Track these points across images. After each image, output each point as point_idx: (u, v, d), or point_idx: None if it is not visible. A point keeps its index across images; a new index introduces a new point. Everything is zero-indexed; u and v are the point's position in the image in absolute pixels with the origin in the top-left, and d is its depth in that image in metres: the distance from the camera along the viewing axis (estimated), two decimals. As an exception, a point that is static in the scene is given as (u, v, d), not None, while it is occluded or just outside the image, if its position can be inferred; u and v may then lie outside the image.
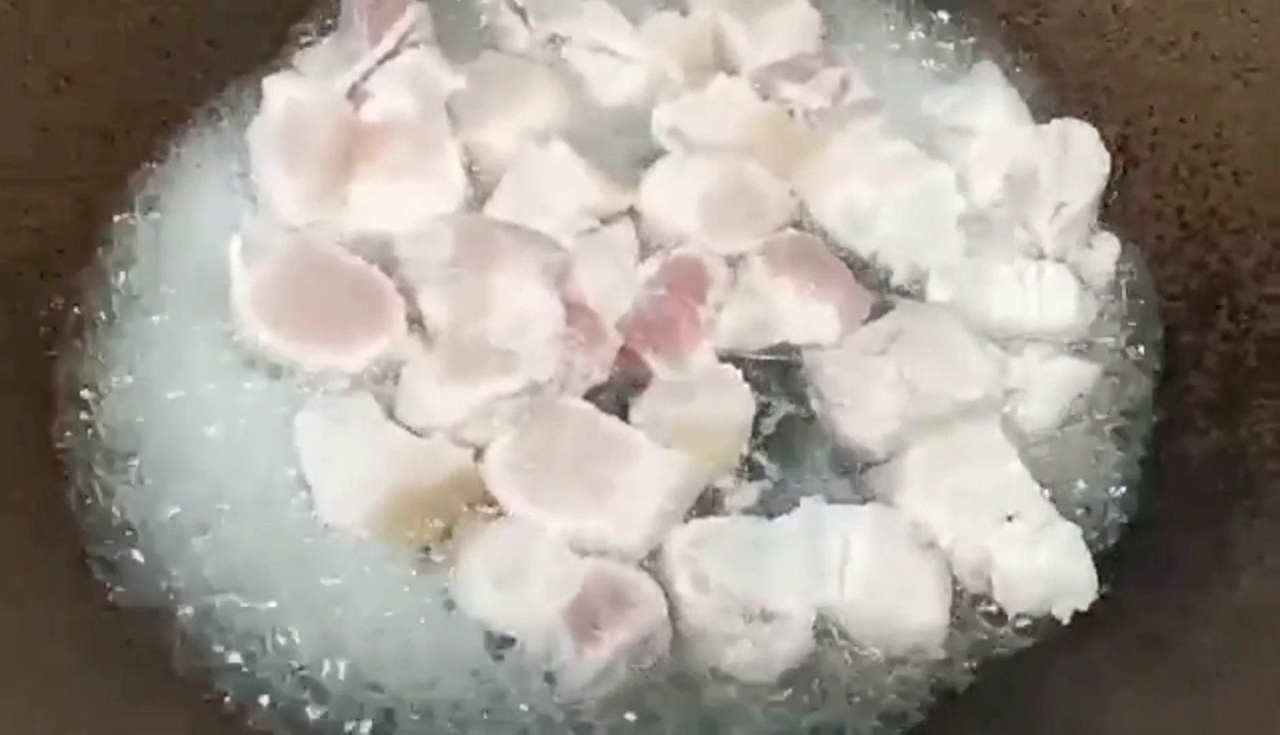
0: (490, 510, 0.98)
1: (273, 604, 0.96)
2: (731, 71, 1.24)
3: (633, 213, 1.13)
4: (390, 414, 1.00)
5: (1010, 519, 0.96)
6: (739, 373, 1.06)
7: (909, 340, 1.05)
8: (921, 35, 1.32)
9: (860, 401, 1.03)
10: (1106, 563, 0.97)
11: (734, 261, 1.12)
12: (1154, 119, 1.17)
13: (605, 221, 1.11)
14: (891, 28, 1.32)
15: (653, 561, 0.97)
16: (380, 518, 0.96)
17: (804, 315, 1.09)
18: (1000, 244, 1.12)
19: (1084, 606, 0.94)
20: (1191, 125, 1.14)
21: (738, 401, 1.04)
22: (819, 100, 1.20)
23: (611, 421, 1.01)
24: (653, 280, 1.09)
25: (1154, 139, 1.17)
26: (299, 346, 1.02)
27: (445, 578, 0.96)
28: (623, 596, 0.91)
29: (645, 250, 1.12)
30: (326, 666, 0.95)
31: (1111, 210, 1.17)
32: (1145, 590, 0.98)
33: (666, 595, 0.93)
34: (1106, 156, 1.14)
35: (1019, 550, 0.94)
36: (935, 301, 1.10)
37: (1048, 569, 0.94)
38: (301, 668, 0.95)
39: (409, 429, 0.99)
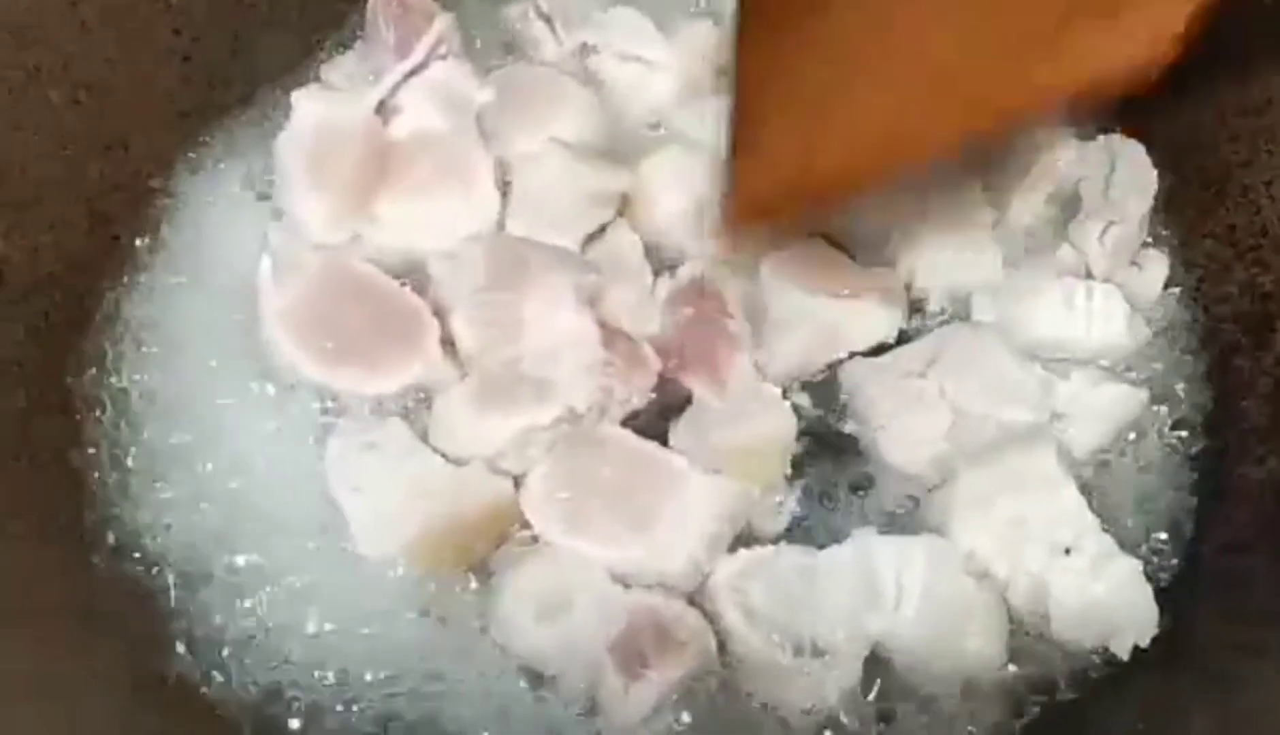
0: (530, 541, 0.95)
1: (301, 633, 0.94)
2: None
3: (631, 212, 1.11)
4: (425, 440, 0.97)
5: (1068, 551, 0.93)
6: (779, 391, 1.03)
7: (951, 361, 1.03)
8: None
9: (902, 425, 1.01)
10: (1164, 596, 0.94)
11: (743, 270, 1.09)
12: (1202, 134, 1.15)
13: (620, 212, 1.10)
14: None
15: (698, 593, 0.94)
16: (416, 548, 0.93)
17: (852, 319, 1.06)
18: (1046, 263, 1.10)
19: (1145, 643, 0.91)
20: (1242, 140, 1.11)
21: (780, 420, 1.02)
22: None
23: (652, 447, 0.98)
24: (675, 299, 1.06)
25: (1202, 155, 1.14)
26: (330, 369, 0.99)
27: (483, 610, 0.93)
28: (670, 633, 0.88)
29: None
30: (357, 698, 0.92)
31: (1159, 229, 1.15)
32: (1207, 625, 0.95)
33: (714, 628, 0.91)
34: (1154, 173, 1.11)
35: (1077, 583, 0.92)
36: (979, 321, 1.07)
37: (1106, 603, 0.91)
38: (330, 699, 0.92)
39: (444, 456, 0.96)
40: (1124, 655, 0.92)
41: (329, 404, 1.01)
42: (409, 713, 0.91)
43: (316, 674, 0.92)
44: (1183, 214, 1.15)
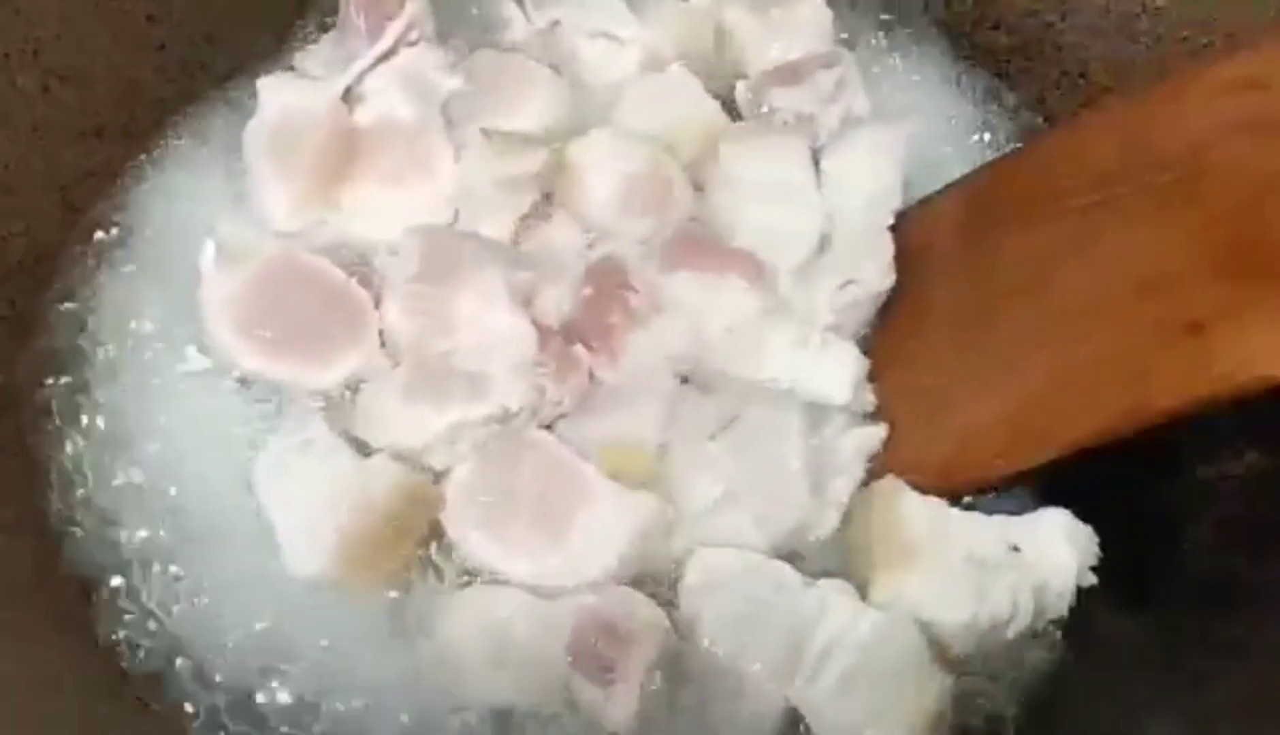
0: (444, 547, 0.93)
1: (247, 647, 0.91)
2: (739, 68, 1.20)
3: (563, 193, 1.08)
4: (347, 436, 0.95)
5: (1016, 548, 0.91)
6: (676, 381, 1.00)
7: (740, 436, 0.97)
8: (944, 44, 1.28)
9: (687, 486, 0.96)
10: (1143, 594, 0.93)
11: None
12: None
13: (546, 196, 1.07)
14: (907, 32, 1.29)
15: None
16: (341, 561, 0.89)
17: (713, 297, 1.02)
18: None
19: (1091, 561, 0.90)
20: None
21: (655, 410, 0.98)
22: (809, 106, 1.15)
23: (569, 455, 0.94)
24: (580, 280, 1.03)
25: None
26: (269, 360, 0.97)
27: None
28: (617, 628, 0.86)
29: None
30: (312, 724, 0.90)
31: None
32: (1186, 624, 0.92)
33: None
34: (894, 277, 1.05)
35: (1034, 573, 0.90)
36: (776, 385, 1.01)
37: (1058, 566, 0.90)
38: (284, 721, 0.90)
39: (369, 447, 0.94)
40: (1094, 580, 0.90)
41: (269, 396, 0.99)
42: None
43: (259, 692, 0.91)
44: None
